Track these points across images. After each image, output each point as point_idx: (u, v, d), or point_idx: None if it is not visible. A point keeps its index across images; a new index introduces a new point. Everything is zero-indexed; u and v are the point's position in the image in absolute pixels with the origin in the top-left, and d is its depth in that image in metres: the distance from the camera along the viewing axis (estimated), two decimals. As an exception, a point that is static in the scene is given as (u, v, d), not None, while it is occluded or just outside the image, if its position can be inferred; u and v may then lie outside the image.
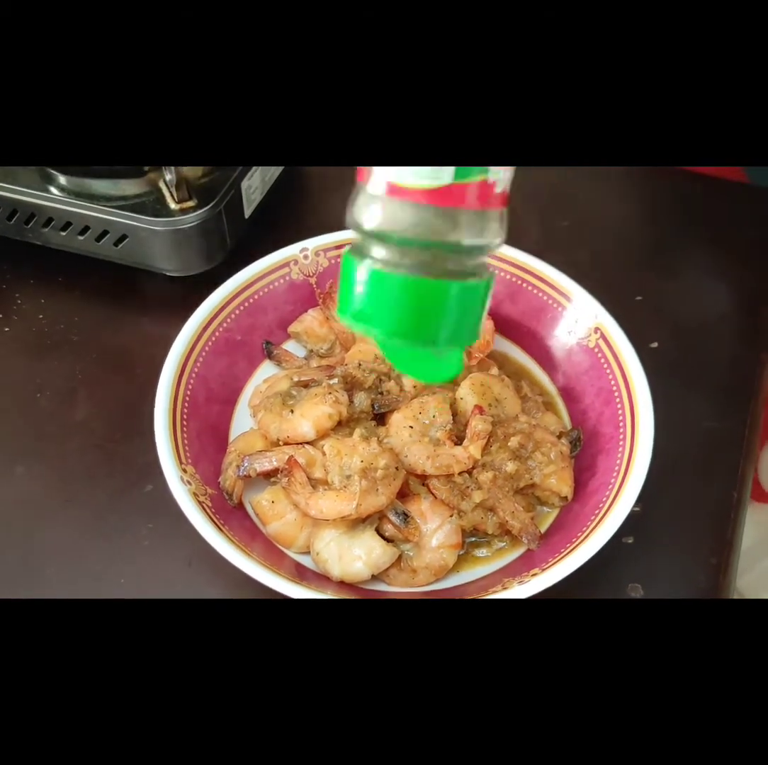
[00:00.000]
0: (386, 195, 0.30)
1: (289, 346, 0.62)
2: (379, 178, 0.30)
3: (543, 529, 0.53)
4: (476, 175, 0.30)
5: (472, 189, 0.30)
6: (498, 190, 0.31)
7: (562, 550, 0.48)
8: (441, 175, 0.29)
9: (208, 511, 0.48)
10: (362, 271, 0.30)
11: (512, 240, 0.60)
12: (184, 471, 0.49)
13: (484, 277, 0.33)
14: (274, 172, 0.71)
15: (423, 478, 0.53)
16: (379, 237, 0.30)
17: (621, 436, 0.53)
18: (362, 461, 0.50)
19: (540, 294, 0.60)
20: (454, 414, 0.55)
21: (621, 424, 0.53)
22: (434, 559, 0.50)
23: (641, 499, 0.49)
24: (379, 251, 0.30)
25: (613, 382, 0.55)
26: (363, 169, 0.31)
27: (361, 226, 0.31)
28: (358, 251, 0.32)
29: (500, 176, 0.31)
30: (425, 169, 0.29)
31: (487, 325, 0.60)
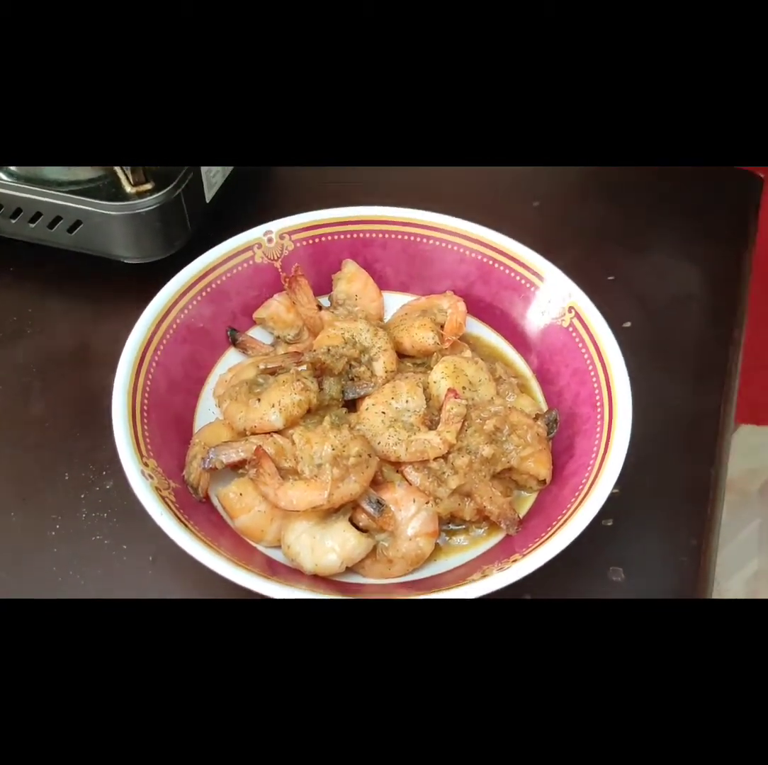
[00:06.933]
0: None
1: (255, 332, 0.60)
2: None
3: (521, 513, 0.51)
4: None
5: None
6: None
7: (542, 535, 0.46)
8: None
9: (171, 506, 0.46)
10: None
11: (483, 220, 0.61)
12: (146, 465, 0.47)
13: None
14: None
15: (397, 465, 0.51)
16: None
17: (599, 417, 0.51)
18: (333, 449, 0.48)
19: (512, 274, 0.58)
20: (428, 398, 0.53)
21: (598, 404, 0.52)
22: (410, 549, 0.48)
23: (619, 481, 0.48)
24: None
25: (588, 362, 0.54)
26: None
27: None
28: None
29: None
30: None
31: (459, 306, 0.58)
